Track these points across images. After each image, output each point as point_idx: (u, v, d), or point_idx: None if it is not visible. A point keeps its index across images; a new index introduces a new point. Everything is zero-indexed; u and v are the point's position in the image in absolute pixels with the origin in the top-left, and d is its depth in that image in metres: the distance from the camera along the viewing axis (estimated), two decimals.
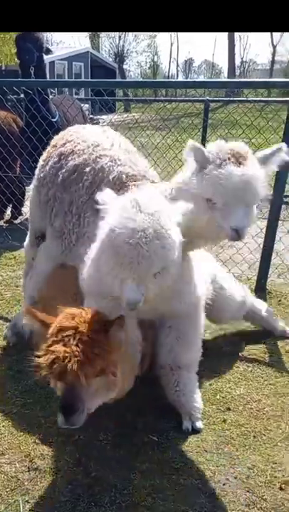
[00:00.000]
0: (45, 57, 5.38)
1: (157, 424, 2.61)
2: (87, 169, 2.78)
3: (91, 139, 2.91)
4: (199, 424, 2.60)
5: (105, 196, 2.19)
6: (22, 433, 2.54)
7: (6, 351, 3.28)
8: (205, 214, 2.21)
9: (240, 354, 3.33)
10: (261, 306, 3.58)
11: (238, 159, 2.19)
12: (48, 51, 5.46)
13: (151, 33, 45.41)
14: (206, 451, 2.44)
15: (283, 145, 2.37)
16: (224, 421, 2.66)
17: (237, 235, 2.14)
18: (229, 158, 2.19)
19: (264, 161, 2.30)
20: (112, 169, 2.71)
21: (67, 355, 1.92)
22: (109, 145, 2.85)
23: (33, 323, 2.18)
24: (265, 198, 2.29)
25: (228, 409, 2.76)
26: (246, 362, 3.23)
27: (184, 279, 2.47)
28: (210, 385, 2.96)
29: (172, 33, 49.65)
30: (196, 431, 2.57)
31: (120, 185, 2.63)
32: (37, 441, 2.48)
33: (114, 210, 2.07)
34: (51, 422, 2.60)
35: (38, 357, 1.99)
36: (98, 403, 2.12)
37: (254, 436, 2.55)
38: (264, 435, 2.56)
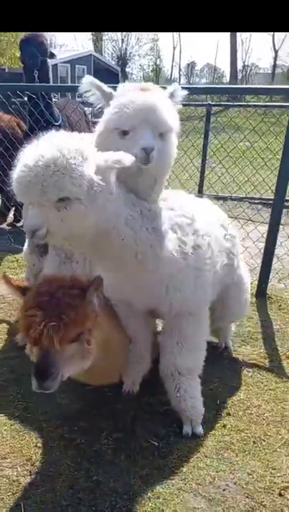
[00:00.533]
0: (49, 61, 5.39)
1: (157, 429, 2.63)
2: None
3: None
4: (199, 430, 2.63)
5: None
6: (24, 437, 2.56)
7: (8, 354, 3.30)
8: (119, 147, 2.17)
9: (240, 359, 3.35)
10: None
11: (143, 89, 2.26)
12: (52, 55, 5.47)
13: (153, 37, 45.47)
14: (206, 456, 2.46)
15: (176, 84, 2.49)
16: (224, 426, 2.68)
17: (145, 153, 2.11)
18: (134, 90, 2.25)
19: (170, 97, 2.38)
20: None
21: (43, 319, 1.94)
22: None
23: (10, 290, 2.19)
24: (176, 130, 2.31)
25: (228, 414, 2.78)
26: (246, 367, 3.25)
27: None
28: (210, 390, 2.97)
29: (175, 37, 49.76)
30: (196, 436, 2.60)
31: None
32: (38, 445, 2.50)
33: None
34: (53, 426, 2.63)
35: (16, 321, 2.02)
36: (73, 370, 2.14)
37: (254, 442, 2.57)
38: (264, 441, 2.58)
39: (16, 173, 1.97)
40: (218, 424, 2.69)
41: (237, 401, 2.89)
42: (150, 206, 2.34)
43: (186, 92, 2.51)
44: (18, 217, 6.45)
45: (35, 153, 1.92)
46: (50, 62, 5.55)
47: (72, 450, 2.46)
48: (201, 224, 2.59)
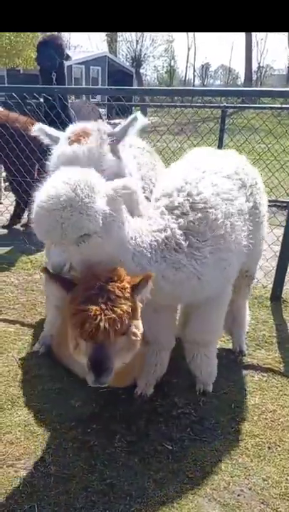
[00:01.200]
0: (65, 63, 5.44)
1: (171, 433, 2.61)
2: None
3: None
4: (210, 388, 2.92)
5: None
6: (37, 438, 2.56)
7: (23, 356, 3.31)
8: None
9: (254, 363, 3.31)
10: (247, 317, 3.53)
11: (79, 138, 2.36)
12: (68, 57, 5.52)
13: (168, 38, 45.49)
14: (221, 461, 2.44)
15: (138, 113, 2.51)
16: (238, 431, 2.65)
17: None
18: (70, 138, 2.40)
19: (122, 133, 2.45)
20: None
21: (98, 313, 1.96)
22: None
23: (54, 287, 2.20)
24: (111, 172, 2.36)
25: (243, 419, 2.75)
26: (261, 371, 3.21)
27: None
28: (224, 394, 2.95)
29: (190, 38, 49.64)
30: (205, 393, 2.90)
31: None
32: (52, 446, 2.50)
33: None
34: (66, 427, 2.63)
35: (70, 316, 2.05)
36: (120, 363, 2.15)
37: (269, 448, 2.54)
38: (279, 446, 2.55)
39: (34, 216, 2.09)
40: (233, 429, 2.66)
41: (252, 406, 2.86)
42: (163, 235, 2.39)
43: (145, 122, 2.56)
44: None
45: (51, 194, 2.00)
46: (66, 63, 5.59)
47: (85, 452, 2.46)
48: (218, 210, 2.49)
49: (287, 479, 2.33)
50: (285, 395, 2.97)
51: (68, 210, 1.97)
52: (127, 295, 2.06)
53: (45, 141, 2.68)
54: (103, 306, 1.98)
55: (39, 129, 2.68)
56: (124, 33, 39.29)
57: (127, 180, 2.19)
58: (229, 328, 3.43)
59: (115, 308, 1.98)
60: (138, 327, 2.15)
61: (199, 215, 2.46)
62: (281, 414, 2.79)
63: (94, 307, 1.97)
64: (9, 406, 2.79)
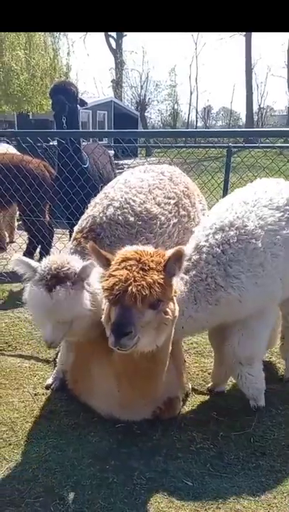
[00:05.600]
0: (79, 108, 5.68)
1: (191, 469, 2.57)
2: None
3: None
4: (262, 403, 3.02)
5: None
6: (55, 475, 2.52)
7: (39, 391, 3.30)
8: None
9: (273, 397, 3.27)
10: None
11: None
12: (83, 103, 5.77)
13: (171, 83, 47.20)
14: (243, 497, 2.38)
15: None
16: (259, 466, 2.60)
17: None
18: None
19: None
20: None
21: (128, 278, 2.03)
22: None
23: (96, 258, 2.30)
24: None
25: (263, 454, 2.70)
26: (279, 405, 3.17)
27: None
28: (242, 428, 2.90)
29: (192, 82, 51.28)
30: (259, 409, 3.00)
31: None
32: (71, 483, 2.46)
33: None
34: (84, 464, 2.59)
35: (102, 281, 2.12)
36: (148, 341, 2.17)
37: None
38: None
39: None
40: (253, 464, 2.61)
41: (271, 440, 2.81)
42: (204, 284, 2.64)
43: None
44: (44, 256, 6.52)
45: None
46: (80, 108, 5.83)
47: (105, 489, 2.42)
48: (258, 241, 2.62)
49: None
50: None
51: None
52: (160, 268, 2.13)
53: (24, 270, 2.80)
54: (135, 274, 2.05)
55: (17, 261, 2.76)
56: (128, 79, 41.01)
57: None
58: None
59: (146, 277, 2.05)
60: (171, 307, 2.19)
61: (240, 245, 2.62)
62: None
63: (125, 272, 2.06)
64: (26, 442, 2.77)
